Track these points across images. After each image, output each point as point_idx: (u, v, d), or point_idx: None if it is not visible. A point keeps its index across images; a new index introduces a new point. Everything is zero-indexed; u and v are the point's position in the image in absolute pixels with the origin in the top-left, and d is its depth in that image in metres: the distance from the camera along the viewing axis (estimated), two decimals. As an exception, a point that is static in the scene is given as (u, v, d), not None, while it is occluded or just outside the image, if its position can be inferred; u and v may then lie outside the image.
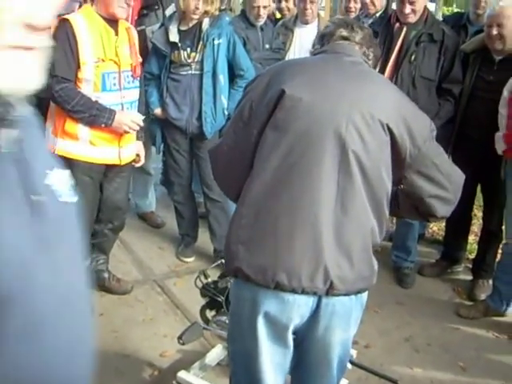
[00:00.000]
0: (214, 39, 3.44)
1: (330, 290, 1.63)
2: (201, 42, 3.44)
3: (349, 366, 2.41)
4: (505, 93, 3.10)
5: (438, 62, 3.37)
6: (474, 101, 3.39)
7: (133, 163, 3.23)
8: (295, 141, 1.63)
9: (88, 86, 2.83)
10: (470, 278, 3.80)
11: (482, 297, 3.57)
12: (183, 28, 3.48)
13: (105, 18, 2.85)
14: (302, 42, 4.07)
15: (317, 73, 1.73)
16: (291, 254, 1.61)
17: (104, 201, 3.15)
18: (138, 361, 2.84)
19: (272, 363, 1.74)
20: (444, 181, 1.77)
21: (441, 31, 3.36)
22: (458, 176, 1.85)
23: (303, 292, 1.63)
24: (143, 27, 3.74)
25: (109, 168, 3.06)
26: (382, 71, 3.38)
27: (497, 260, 3.60)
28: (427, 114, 3.36)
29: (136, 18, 3.79)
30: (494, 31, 3.17)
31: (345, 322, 1.73)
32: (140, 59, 3.09)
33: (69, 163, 2.90)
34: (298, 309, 1.66)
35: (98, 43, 2.82)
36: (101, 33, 2.83)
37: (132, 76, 2.98)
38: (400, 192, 1.78)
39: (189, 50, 3.47)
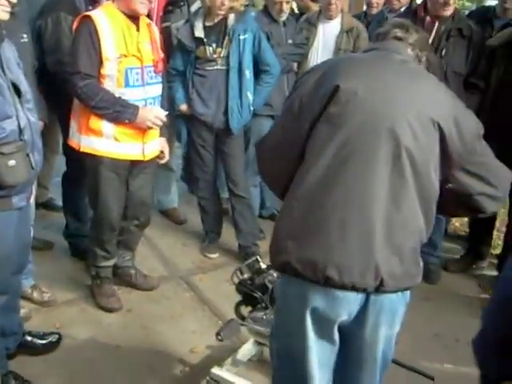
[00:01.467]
0: (239, 34, 3.43)
1: (380, 287, 1.63)
2: (226, 38, 3.44)
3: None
4: (534, 88, 3.07)
5: (467, 57, 3.35)
6: (501, 97, 3.35)
7: (157, 160, 3.22)
8: (349, 136, 1.63)
9: (111, 81, 2.83)
10: (494, 273, 3.78)
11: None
12: (209, 24, 3.47)
13: (126, 15, 2.85)
14: (325, 38, 4.06)
15: (370, 68, 1.73)
16: (343, 250, 1.61)
17: (129, 197, 3.15)
18: (168, 357, 2.84)
19: (318, 359, 1.73)
20: (492, 178, 1.77)
21: (469, 27, 3.36)
22: (506, 173, 1.84)
23: (353, 288, 1.62)
24: (168, 24, 3.74)
25: (133, 164, 3.05)
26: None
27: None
28: None
29: (161, 14, 3.78)
30: None
31: (391, 319, 1.74)
32: (162, 55, 3.08)
33: (94, 160, 2.93)
34: (347, 305, 1.66)
35: (120, 39, 2.81)
36: (123, 29, 2.83)
37: (154, 71, 2.97)
38: (448, 190, 1.76)
39: (214, 45, 3.47)
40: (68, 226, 3.71)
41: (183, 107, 3.61)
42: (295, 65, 4.14)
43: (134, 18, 2.88)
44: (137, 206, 3.20)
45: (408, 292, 1.77)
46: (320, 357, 1.73)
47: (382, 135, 1.61)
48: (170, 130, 3.46)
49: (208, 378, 2.49)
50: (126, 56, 2.81)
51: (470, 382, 2.80)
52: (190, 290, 3.48)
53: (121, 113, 2.83)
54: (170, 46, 3.69)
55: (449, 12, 3.33)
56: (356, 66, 1.75)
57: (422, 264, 1.75)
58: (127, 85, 2.86)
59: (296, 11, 4.77)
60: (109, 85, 2.83)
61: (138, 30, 2.89)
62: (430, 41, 3.32)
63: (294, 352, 1.74)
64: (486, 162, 1.78)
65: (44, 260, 3.51)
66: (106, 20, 2.80)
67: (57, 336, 2.87)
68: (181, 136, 3.88)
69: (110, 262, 3.21)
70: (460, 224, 4.53)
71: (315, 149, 1.66)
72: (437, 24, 3.34)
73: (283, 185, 1.77)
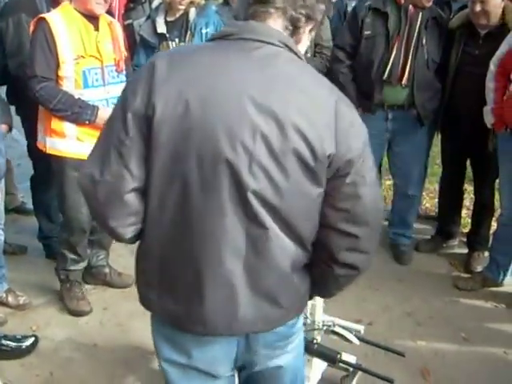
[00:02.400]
0: (201, 28, 3.44)
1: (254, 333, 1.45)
2: (189, 32, 3.44)
3: (356, 341, 2.47)
4: (491, 66, 3.14)
5: (439, 43, 3.42)
6: (461, 76, 3.42)
7: None
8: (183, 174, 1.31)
9: (69, 83, 2.81)
10: (465, 251, 3.87)
11: (478, 269, 3.65)
12: (170, 19, 3.48)
13: (84, 14, 2.83)
14: (287, 28, 4.06)
15: (205, 82, 1.29)
16: (203, 305, 1.38)
17: None
18: (146, 352, 2.85)
19: None
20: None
21: (439, 14, 3.43)
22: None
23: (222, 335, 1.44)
24: (130, 21, 3.74)
25: None
26: (400, 53, 3.39)
27: (492, 232, 3.67)
28: (438, 94, 3.46)
29: (123, 11, 3.78)
30: (478, 7, 3.20)
31: (282, 349, 1.54)
32: (125, 53, 3.07)
33: (59, 161, 2.92)
34: (222, 351, 1.49)
35: (77, 40, 2.79)
36: (80, 29, 2.80)
37: (116, 71, 2.95)
38: None
39: (177, 40, 3.47)
40: (41, 229, 3.70)
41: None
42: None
43: (92, 17, 2.86)
44: None
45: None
46: None
47: (222, 172, 1.28)
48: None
49: None
50: (83, 57, 2.79)
51: (442, 357, 2.92)
52: (165, 285, 3.49)
53: (80, 114, 2.81)
54: (133, 42, 3.70)
55: (430, 2, 3.36)
56: (182, 72, 1.30)
57: (307, 280, 1.48)
58: (86, 85, 2.83)
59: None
60: (67, 86, 2.81)
61: (96, 29, 2.87)
62: (417, 30, 3.35)
63: None
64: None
65: (18, 264, 3.51)
66: (62, 21, 2.78)
67: (33, 338, 2.87)
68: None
69: (80, 266, 3.20)
70: (431, 205, 4.61)
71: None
72: (421, 14, 3.35)
73: None
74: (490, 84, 3.16)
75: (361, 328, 2.50)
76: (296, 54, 1.36)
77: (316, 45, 4.05)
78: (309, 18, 1.37)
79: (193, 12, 3.45)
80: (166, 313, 1.44)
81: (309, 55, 4.01)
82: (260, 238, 1.32)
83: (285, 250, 1.35)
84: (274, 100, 1.25)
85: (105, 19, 2.96)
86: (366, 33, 3.44)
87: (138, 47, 3.60)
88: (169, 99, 1.26)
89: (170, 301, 1.41)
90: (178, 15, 3.46)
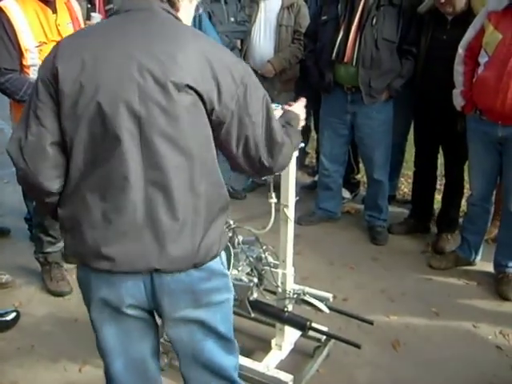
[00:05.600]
0: (178, 13, 3.51)
1: (158, 271, 1.55)
2: (167, 17, 3.51)
3: (326, 310, 2.56)
4: (460, 50, 3.24)
5: (398, 25, 3.51)
6: (431, 60, 3.53)
7: None
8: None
9: (36, 71, 2.70)
10: (435, 231, 3.97)
11: (447, 249, 3.75)
12: (149, 4, 3.54)
13: None
14: (267, 15, 4.17)
15: (96, 45, 1.51)
16: (108, 240, 1.53)
17: None
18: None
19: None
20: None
21: None
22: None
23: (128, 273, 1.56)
24: (111, 6, 3.81)
25: None
26: (346, 35, 3.51)
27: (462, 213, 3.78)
28: (391, 74, 3.58)
29: (104, -3, 3.85)
30: None
31: (191, 299, 1.61)
32: None
33: None
34: (127, 291, 1.59)
35: (36, 26, 2.75)
36: (38, 15, 2.76)
37: None
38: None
39: (156, 25, 3.54)
40: (29, 211, 3.76)
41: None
42: (238, 42, 4.25)
43: (47, 0, 2.80)
44: None
45: (213, 262, 1.63)
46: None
47: (121, 118, 1.47)
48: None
49: (163, 337, 2.59)
50: (46, 43, 2.76)
51: (413, 331, 3.02)
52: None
53: None
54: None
55: None
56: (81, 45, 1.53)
57: (216, 234, 1.61)
58: None
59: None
60: (34, 74, 2.74)
61: (54, 12, 2.81)
62: (360, 11, 3.48)
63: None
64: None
65: (1, 246, 3.59)
66: (18, 8, 2.73)
67: (15, 313, 2.95)
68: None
69: (57, 247, 3.25)
70: (408, 190, 4.71)
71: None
72: None
73: None
74: (458, 67, 3.26)
75: (329, 296, 2.59)
76: (173, 15, 1.59)
77: (295, 32, 4.16)
78: None
79: (172, -3, 3.52)
80: (77, 253, 1.59)
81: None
82: (156, 162, 1.49)
83: (178, 167, 1.51)
84: (156, 46, 1.48)
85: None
86: (323, 18, 3.67)
87: (119, 32, 3.67)
88: (68, 61, 1.49)
89: (80, 241, 1.56)
90: (157, 1, 3.53)
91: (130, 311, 1.63)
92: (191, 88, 1.46)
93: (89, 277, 1.61)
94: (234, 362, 1.78)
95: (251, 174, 1.72)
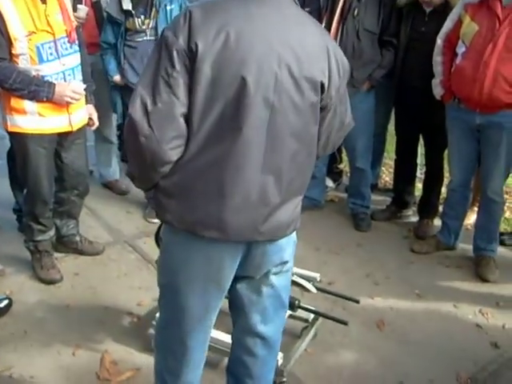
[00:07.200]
0: (166, 5, 3.59)
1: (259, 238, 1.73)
2: (154, 9, 3.58)
3: (314, 290, 2.64)
4: (438, 41, 3.35)
5: (379, 16, 3.60)
6: (410, 51, 3.65)
7: (87, 127, 3.28)
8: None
9: (24, 60, 2.79)
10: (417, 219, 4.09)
11: (428, 234, 3.88)
12: (135, -4, 3.60)
13: None
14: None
15: (238, 22, 1.57)
16: (219, 212, 1.65)
17: (66, 170, 3.23)
18: (117, 311, 2.99)
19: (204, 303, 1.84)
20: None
21: None
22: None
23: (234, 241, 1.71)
24: (97, -2, 3.84)
25: (62, 136, 3.09)
26: (328, 26, 3.59)
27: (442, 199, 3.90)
28: (372, 65, 3.68)
29: (91, -11, 3.88)
30: None
31: (277, 259, 1.83)
32: (75, 23, 3.07)
33: (21, 138, 2.97)
34: (230, 255, 1.74)
35: (26, 16, 2.77)
36: (27, 4, 2.78)
37: (69, 41, 2.95)
38: None
39: (143, 17, 3.61)
40: (17, 202, 3.79)
41: (116, 78, 3.75)
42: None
43: None
44: (74, 177, 3.28)
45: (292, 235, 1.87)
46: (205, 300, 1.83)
47: (256, 98, 1.57)
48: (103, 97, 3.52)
49: (154, 322, 2.65)
50: (35, 33, 2.78)
51: (397, 311, 3.12)
52: (135, 252, 3.63)
53: (36, 92, 2.83)
54: (101, 19, 3.81)
55: None
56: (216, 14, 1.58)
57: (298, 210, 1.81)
58: (41, 61, 2.82)
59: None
60: (23, 63, 2.79)
61: (44, 2, 2.83)
62: (341, 2, 3.57)
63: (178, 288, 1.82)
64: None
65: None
66: None
67: (7, 301, 2.98)
68: (116, 107, 4.00)
69: (47, 236, 3.28)
70: (390, 179, 4.82)
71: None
72: None
73: None
74: (437, 58, 3.37)
75: (317, 275, 2.68)
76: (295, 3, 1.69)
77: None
78: None
79: (158, -11, 3.58)
80: (182, 220, 1.67)
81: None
82: (276, 149, 1.63)
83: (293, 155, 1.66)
84: (291, 38, 1.58)
85: None
86: (306, 10, 3.65)
87: (105, 24, 3.72)
88: (208, 36, 1.52)
89: (189, 209, 1.65)
90: (143, -8, 3.59)
91: (226, 272, 1.77)
92: (321, 85, 1.61)
93: (190, 243, 1.71)
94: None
95: None
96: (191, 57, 1.52)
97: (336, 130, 1.80)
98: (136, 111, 1.55)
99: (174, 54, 1.53)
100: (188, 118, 1.57)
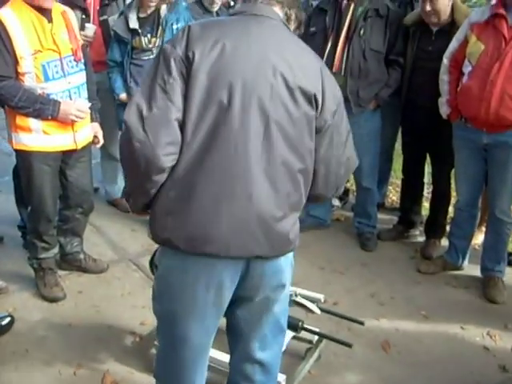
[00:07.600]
0: (172, 24, 3.61)
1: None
2: (160, 28, 3.61)
3: (318, 311, 2.61)
4: (445, 60, 3.34)
5: (385, 36, 3.60)
6: (417, 71, 3.64)
7: (92, 145, 3.29)
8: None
9: (30, 78, 2.81)
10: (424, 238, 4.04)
11: (435, 255, 3.83)
12: (142, 15, 3.65)
13: (35, 7, 2.79)
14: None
15: (235, 36, 1.65)
16: (219, 225, 1.63)
17: (70, 188, 3.24)
18: (119, 330, 2.97)
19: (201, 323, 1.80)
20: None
21: (385, 7, 3.60)
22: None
23: (233, 258, 1.69)
24: (105, 17, 3.88)
25: (67, 154, 3.10)
26: (334, 46, 3.59)
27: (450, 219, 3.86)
28: (379, 84, 3.66)
29: (98, 8, 3.92)
30: (428, 7, 3.42)
31: (276, 281, 1.80)
32: (81, 41, 3.11)
33: (26, 155, 2.98)
34: (228, 273, 1.72)
35: (32, 35, 2.79)
36: (33, 23, 2.80)
37: (74, 60, 2.95)
38: None
39: (149, 35, 3.64)
40: (22, 219, 3.79)
41: (123, 96, 3.76)
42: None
43: (43, 9, 2.82)
44: (79, 195, 3.29)
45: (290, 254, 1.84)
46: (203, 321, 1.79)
47: (251, 109, 1.60)
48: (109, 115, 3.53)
49: (156, 342, 2.63)
50: (41, 51, 2.80)
51: (403, 333, 3.08)
52: (139, 270, 3.61)
53: (42, 110, 2.84)
54: (108, 37, 3.84)
55: None
56: (215, 29, 1.66)
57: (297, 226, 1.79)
58: (47, 79, 2.84)
59: (232, 3, 4.95)
60: (29, 82, 2.81)
61: (50, 21, 2.85)
62: (347, 22, 3.57)
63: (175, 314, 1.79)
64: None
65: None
66: (15, 17, 2.75)
67: (9, 318, 2.96)
68: (122, 125, 4.01)
69: (51, 253, 3.28)
70: (397, 198, 4.79)
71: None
72: (352, 5, 3.58)
73: None
74: (443, 77, 3.36)
75: (321, 296, 2.64)
76: (289, 29, 1.79)
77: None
78: (296, 17, 1.83)
79: (164, 8, 3.62)
80: (181, 237, 1.65)
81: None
82: (272, 158, 1.63)
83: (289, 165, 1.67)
84: (286, 52, 1.67)
85: (58, 9, 2.94)
86: (311, 30, 3.71)
87: (112, 43, 3.75)
88: (206, 46, 1.59)
89: (184, 224, 1.63)
90: (149, 12, 3.63)
91: (226, 293, 1.74)
92: (315, 98, 1.65)
93: (188, 264, 1.69)
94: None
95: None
96: (188, 65, 1.57)
97: (336, 163, 1.78)
98: (131, 117, 1.57)
99: (172, 62, 1.58)
100: (182, 127, 1.59)
